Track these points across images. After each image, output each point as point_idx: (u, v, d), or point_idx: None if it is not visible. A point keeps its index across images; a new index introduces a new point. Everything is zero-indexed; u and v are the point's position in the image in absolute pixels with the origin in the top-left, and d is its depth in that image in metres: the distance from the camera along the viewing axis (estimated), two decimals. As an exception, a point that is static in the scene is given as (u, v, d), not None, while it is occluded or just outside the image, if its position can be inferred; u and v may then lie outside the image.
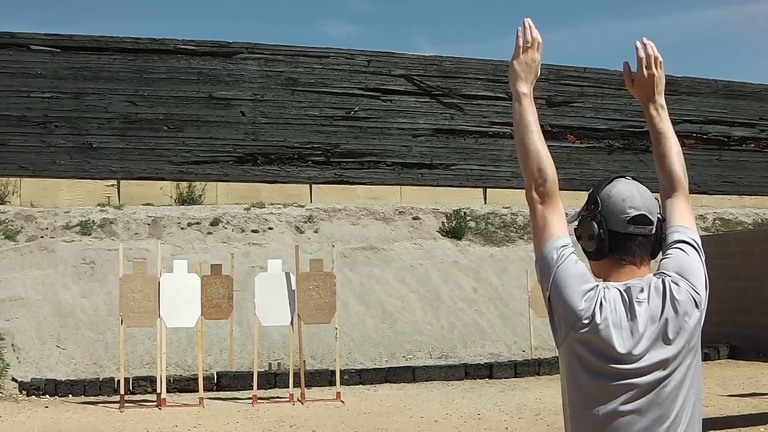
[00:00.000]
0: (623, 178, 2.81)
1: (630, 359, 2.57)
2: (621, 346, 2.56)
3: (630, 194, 2.73)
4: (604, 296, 2.60)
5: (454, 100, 7.50)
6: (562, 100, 7.84)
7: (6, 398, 13.48)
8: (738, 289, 17.71)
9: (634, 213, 2.70)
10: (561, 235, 2.69)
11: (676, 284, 2.67)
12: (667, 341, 2.60)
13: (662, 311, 2.62)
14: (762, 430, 9.97)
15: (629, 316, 2.59)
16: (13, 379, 14.20)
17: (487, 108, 7.57)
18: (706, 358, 16.60)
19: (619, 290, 2.64)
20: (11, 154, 6.79)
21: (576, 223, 2.84)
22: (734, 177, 8.41)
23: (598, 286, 2.63)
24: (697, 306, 2.67)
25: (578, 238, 2.83)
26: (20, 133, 6.78)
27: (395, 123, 7.23)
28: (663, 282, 2.69)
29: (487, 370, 15.64)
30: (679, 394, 2.61)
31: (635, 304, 2.61)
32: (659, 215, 2.79)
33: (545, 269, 2.67)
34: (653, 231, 2.75)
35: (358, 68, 7.30)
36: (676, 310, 2.63)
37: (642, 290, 2.64)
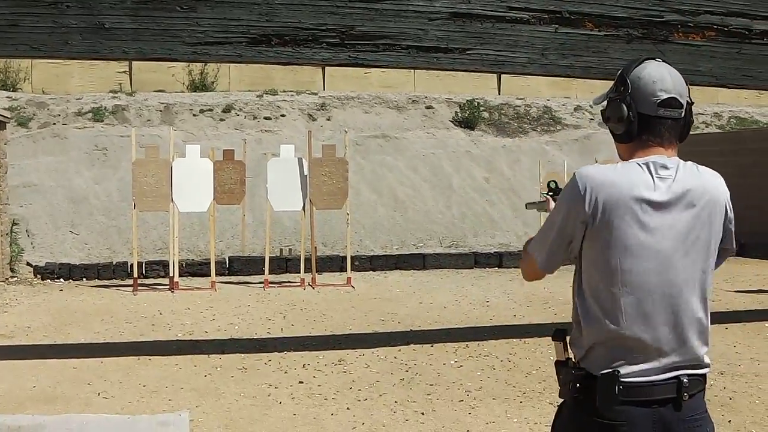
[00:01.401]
0: (654, 60, 2.76)
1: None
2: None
3: (661, 76, 2.69)
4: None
5: (472, -16, 7.37)
6: (582, -13, 7.70)
7: (21, 282, 13.67)
8: (750, 187, 17.65)
9: (665, 96, 2.67)
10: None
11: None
12: (691, 206, 2.63)
13: (692, 185, 2.64)
14: (767, 325, 10.07)
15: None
16: (28, 264, 14.37)
17: (505, -8, 7.45)
18: (714, 253, 16.63)
19: (637, 164, 2.65)
20: (23, 35, 6.73)
21: (603, 104, 2.83)
22: (754, 71, 8.30)
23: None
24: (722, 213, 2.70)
25: (606, 120, 2.81)
26: (32, 13, 6.71)
27: (411, 5, 7.12)
28: (697, 166, 2.69)
29: (497, 259, 15.76)
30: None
31: (656, 178, 2.62)
32: (689, 99, 2.75)
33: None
34: (683, 114, 2.72)
35: (374, -51, 7.16)
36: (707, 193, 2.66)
37: (666, 167, 2.63)
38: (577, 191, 2.64)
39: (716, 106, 25.53)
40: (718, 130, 24.09)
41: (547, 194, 3.47)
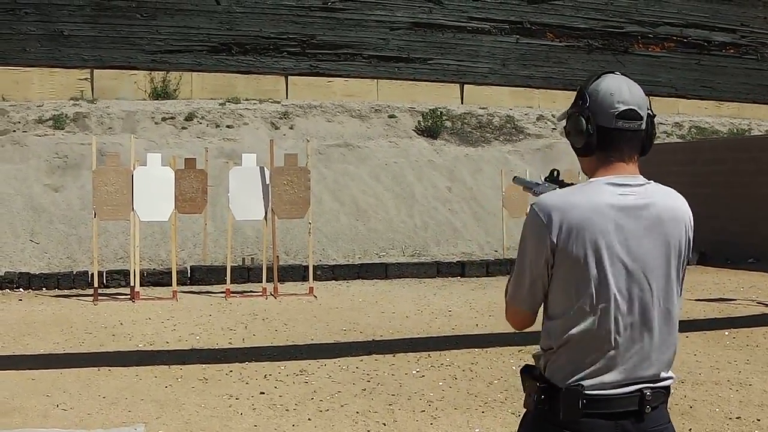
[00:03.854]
0: (612, 74, 2.78)
1: None
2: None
3: (618, 89, 2.70)
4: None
5: (433, -6, 7.38)
6: (542, -3, 7.73)
7: (-21, 291, 13.49)
8: (709, 196, 17.83)
9: (623, 108, 2.68)
10: None
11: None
12: (656, 223, 2.66)
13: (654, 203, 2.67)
14: (726, 333, 10.14)
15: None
16: (-14, 272, 14.19)
17: (466, 2, 7.46)
18: (675, 262, 16.75)
19: (598, 183, 2.68)
20: (-20, 42, 6.64)
21: (564, 121, 2.84)
22: (713, 82, 8.38)
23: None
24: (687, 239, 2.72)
25: (567, 134, 2.82)
26: (-11, 20, 6.62)
27: (372, 15, 7.11)
28: (660, 186, 2.72)
29: (459, 269, 15.77)
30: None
31: (618, 195, 2.64)
32: (650, 111, 2.75)
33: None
34: (642, 126, 2.72)
35: (336, -41, 7.15)
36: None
37: (628, 185, 2.66)
38: (540, 221, 2.65)
39: (677, 116, 25.78)
40: (678, 140, 24.32)
41: (546, 179, 3.33)
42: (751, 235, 17.42)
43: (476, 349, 9.25)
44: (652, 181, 2.72)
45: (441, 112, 22.52)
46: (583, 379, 2.62)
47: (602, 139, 2.70)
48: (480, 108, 23.78)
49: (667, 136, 24.70)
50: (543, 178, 3.35)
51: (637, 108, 2.69)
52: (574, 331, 2.64)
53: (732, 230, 17.66)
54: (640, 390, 2.63)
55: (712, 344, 9.60)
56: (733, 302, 12.73)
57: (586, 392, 2.61)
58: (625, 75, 2.79)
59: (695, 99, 9.25)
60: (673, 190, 2.76)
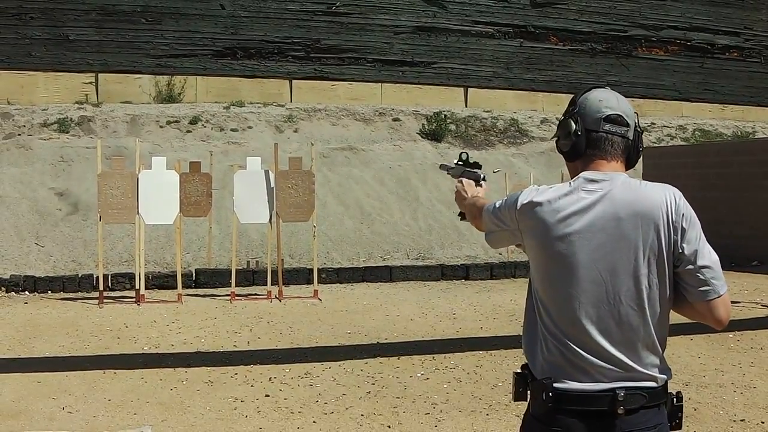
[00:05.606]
0: (603, 87, 2.88)
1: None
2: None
3: (606, 97, 2.79)
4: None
5: (437, -2, 7.40)
6: (546, 1, 7.75)
7: (-15, 294, 13.53)
8: (714, 199, 17.83)
9: (609, 112, 2.75)
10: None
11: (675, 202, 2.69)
12: (615, 218, 2.66)
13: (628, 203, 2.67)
14: (730, 336, 10.14)
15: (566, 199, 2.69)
16: (-8, 276, 14.22)
17: (470, 7, 7.47)
18: (680, 264, 16.74)
19: (568, 184, 2.75)
20: (-15, 46, 6.67)
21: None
22: (716, 85, 8.38)
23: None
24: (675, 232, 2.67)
25: (557, 141, 2.90)
26: (-6, 25, 6.65)
27: (377, 19, 7.13)
28: (640, 182, 2.72)
29: (464, 272, 15.78)
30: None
31: (582, 191, 2.69)
32: (638, 128, 2.82)
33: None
34: (629, 134, 2.78)
35: (340, -37, 7.17)
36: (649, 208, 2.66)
37: (594, 181, 2.70)
38: (513, 206, 2.82)
39: (681, 118, 25.77)
40: (682, 143, 24.30)
41: (457, 163, 3.69)
42: (755, 237, 17.41)
43: (481, 352, 9.26)
44: (634, 179, 2.74)
45: (445, 116, 22.54)
46: (556, 373, 2.67)
47: (589, 143, 2.77)
48: (484, 111, 23.80)
49: (672, 139, 24.70)
50: (455, 162, 3.70)
51: (624, 115, 2.77)
52: (543, 325, 2.77)
53: (737, 233, 17.64)
54: (612, 390, 2.61)
55: (716, 347, 9.61)
56: (737, 305, 12.71)
57: (554, 386, 2.63)
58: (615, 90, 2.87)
59: (699, 102, 9.25)
60: (655, 184, 2.74)
